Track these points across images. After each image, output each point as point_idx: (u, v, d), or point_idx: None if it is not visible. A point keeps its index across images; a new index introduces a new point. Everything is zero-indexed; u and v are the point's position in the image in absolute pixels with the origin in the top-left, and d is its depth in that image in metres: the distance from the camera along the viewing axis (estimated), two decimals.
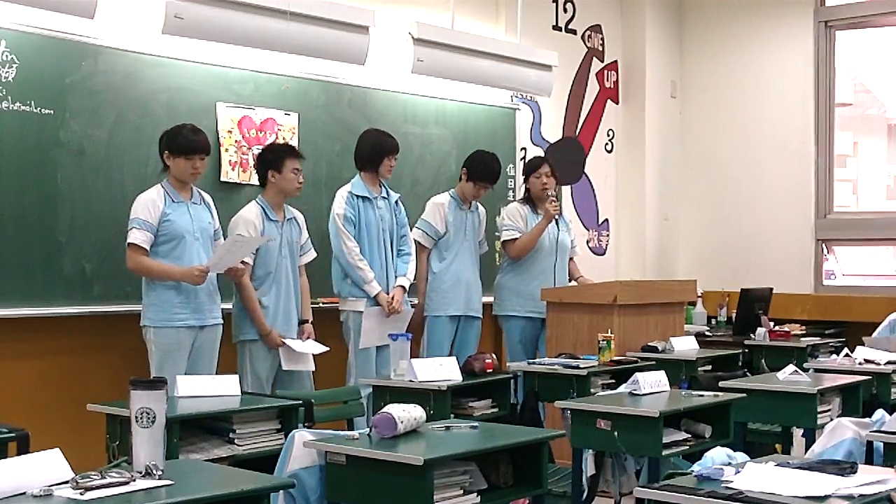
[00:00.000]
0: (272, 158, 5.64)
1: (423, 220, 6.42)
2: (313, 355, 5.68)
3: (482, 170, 6.46)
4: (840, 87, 8.76)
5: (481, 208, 6.69)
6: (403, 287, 6.06)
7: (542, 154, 7.56)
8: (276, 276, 5.61)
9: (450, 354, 6.12)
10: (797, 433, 5.56)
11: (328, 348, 5.79)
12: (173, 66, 5.76)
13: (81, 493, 2.52)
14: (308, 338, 5.72)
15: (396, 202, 6.16)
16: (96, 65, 5.44)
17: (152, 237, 5.07)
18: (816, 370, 5.58)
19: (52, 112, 5.27)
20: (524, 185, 6.92)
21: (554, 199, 6.65)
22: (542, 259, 6.69)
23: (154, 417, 2.78)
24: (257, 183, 5.99)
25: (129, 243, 5.06)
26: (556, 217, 6.64)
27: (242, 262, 5.37)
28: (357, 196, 5.95)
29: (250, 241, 5.34)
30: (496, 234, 7.06)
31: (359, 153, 6.07)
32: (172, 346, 5.11)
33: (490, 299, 6.83)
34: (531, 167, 6.80)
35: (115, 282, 5.44)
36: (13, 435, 3.57)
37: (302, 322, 5.75)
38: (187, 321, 5.15)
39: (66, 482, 2.59)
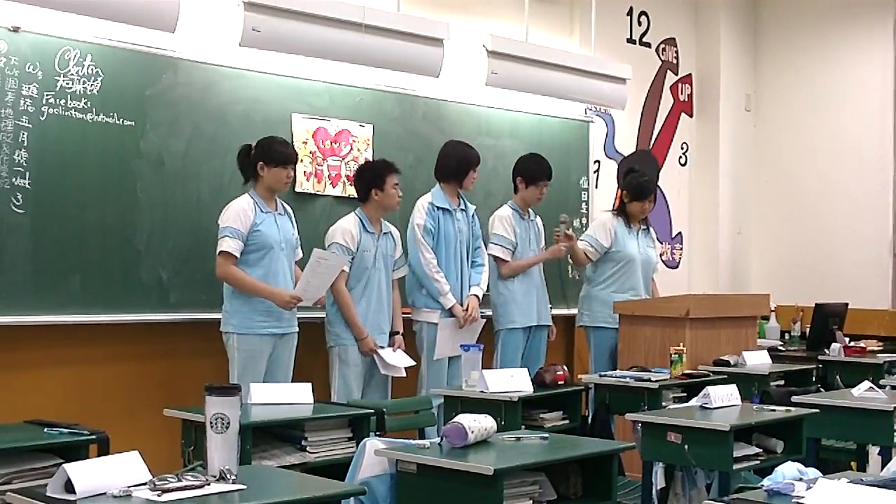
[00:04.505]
0: (373, 177, 5.73)
1: (495, 234, 6.38)
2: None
3: (537, 169, 6.42)
4: None
5: (538, 218, 6.63)
6: (477, 296, 6.09)
7: (624, 168, 7.48)
8: (369, 286, 5.70)
9: (520, 364, 6.14)
10: (873, 451, 5.48)
11: (415, 363, 5.87)
12: (250, 77, 5.85)
13: (159, 495, 2.57)
14: (398, 348, 5.82)
15: (473, 214, 6.20)
16: (175, 77, 5.55)
17: (242, 245, 5.16)
18: (893, 387, 5.49)
19: (133, 123, 5.38)
20: (623, 201, 6.79)
21: (568, 233, 6.51)
22: (634, 273, 6.68)
23: (228, 423, 2.83)
24: (331, 194, 6.08)
25: (220, 251, 5.14)
26: (641, 229, 6.72)
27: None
28: (438, 207, 5.99)
29: (333, 263, 5.37)
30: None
31: (443, 165, 6.10)
32: (255, 352, 5.19)
33: (560, 311, 6.82)
34: (645, 191, 6.72)
35: (191, 290, 5.54)
36: (94, 437, 3.65)
37: (393, 333, 5.85)
38: (270, 329, 5.23)
39: (144, 484, 2.65)
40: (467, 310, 5.98)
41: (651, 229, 6.93)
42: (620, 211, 6.78)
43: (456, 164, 6.06)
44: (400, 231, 5.98)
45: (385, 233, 5.82)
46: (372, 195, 5.72)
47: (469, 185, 6.10)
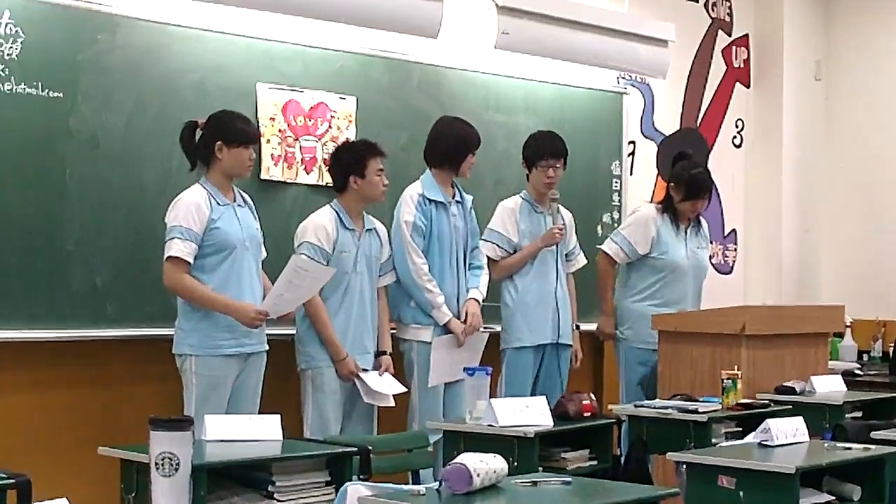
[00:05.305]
0: (352, 161, 5.72)
1: (491, 229, 6.39)
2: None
3: (536, 147, 6.42)
4: None
5: (565, 212, 6.57)
6: (477, 301, 6.08)
7: (683, 157, 7.33)
8: (348, 296, 5.69)
9: (533, 392, 6.13)
10: None
11: (406, 389, 5.87)
12: (205, 39, 5.86)
13: None
14: (385, 371, 5.82)
15: (470, 207, 6.20)
16: (113, 39, 5.55)
17: (196, 248, 5.13)
18: None
19: (60, 95, 5.38)
20: (670, 195, 6.76)
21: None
22: (680, 282, 6.69)
23: (178, 464, 2.84)
24: (305, 182, 6.08)
25: (168, 256, 5.10)
26: (690, 227, 6.73)
27: None
28: (430, 200, 5.98)
29: (315, 275, 5.32)
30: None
31: (437, 147, 6.08)
32: (218, 378, 5.19)
33: (586, 326, 6.84)
34: (702, 188, 6.70)
35: (133, 300, 5.55)
36: (13, 481, 3.64)
37: (379, 354, 5.85)
38: (236, 348, 5.23)
39: None
40: (466, 321, 5.99)
41: (703, 226, 6.90)
42: (667, 207, 6.75)
43: (451, 145, 6.04)
44: (387, 227, 5.98)
45: (368, 230, 5.81)
46: (350, 183, 5.71)
47: (466, 171, 6.10)
